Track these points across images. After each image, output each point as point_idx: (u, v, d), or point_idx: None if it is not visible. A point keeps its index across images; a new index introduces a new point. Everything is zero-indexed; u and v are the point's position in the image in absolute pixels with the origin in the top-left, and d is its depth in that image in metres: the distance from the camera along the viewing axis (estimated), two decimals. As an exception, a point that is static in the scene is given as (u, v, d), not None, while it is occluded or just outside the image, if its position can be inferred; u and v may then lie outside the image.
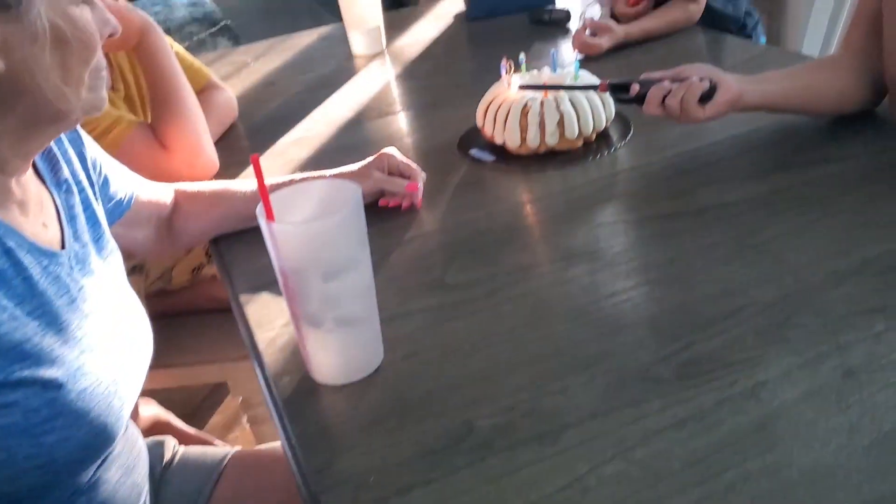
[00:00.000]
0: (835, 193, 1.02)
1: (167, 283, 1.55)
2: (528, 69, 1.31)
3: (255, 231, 0.76)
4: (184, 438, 1.15)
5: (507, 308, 0.88)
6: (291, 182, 1.08)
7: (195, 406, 2.03)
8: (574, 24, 1.90)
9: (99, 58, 0.73)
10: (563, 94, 1.23)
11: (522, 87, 1.24)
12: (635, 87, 1.12)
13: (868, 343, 0.75)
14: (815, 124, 1.20)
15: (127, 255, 0.95)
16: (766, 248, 0.92)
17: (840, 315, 0.80)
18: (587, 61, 1.62)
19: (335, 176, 1.13)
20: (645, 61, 1.61)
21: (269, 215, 0.73)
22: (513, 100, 1.24)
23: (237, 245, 1.09)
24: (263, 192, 0.72)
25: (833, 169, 1.08)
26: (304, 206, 0.80)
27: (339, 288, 0.76)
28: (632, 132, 1.28)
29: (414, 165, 1.15)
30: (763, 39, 1.92)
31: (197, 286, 1.56)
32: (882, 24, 1.14)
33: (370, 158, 1.14)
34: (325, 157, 1.38)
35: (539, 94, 1.24)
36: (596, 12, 1.78)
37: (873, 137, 1.15)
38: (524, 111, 1.23)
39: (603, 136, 1.28)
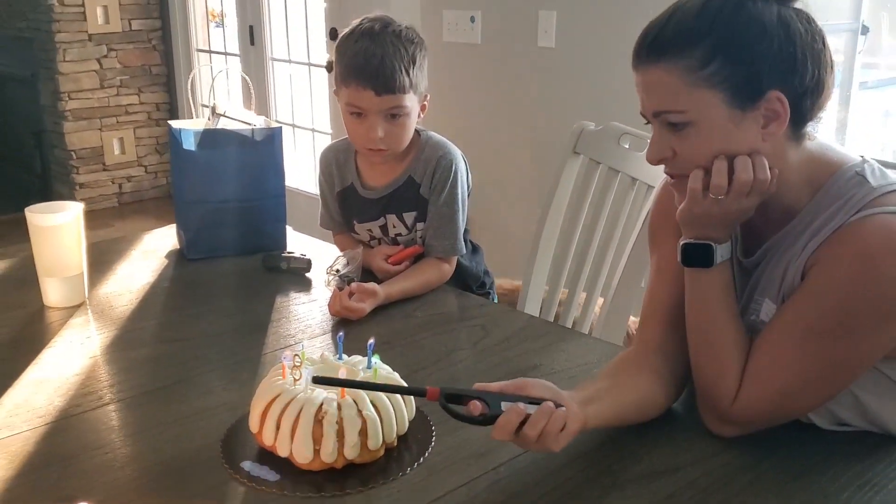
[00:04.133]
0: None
1: None
2: (304, 354, 1.07)
3: None
4: None
5: None
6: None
7: None
8: (313, 275, 1.72)
9: None
10: (362, 393, 1.02)
11: (317, 383, 1.00)
12: (477, 406, 0.94)
13: None
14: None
15: None
16: None
17: None
18: (347, 327, 1.43)
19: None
20: (406, 326, 1.47)
21: None
22: (303, 401, 1.00)
23: None
24: None
25: (670, 486, 0.99)
26: None
27: None
28: (434, 433, 1.10)
29: None
30: (496, 298, 1.91)
31: None
32: (681, 316, 1.11)
33: None
34: (30, 472, 1.00)
35: (334, 393, 1.02)
36: (347, 266, 1.62)
37: (687, 443, 1.09)
38: (318, 417, 0.99)
39: (403, 438, 1.08)
